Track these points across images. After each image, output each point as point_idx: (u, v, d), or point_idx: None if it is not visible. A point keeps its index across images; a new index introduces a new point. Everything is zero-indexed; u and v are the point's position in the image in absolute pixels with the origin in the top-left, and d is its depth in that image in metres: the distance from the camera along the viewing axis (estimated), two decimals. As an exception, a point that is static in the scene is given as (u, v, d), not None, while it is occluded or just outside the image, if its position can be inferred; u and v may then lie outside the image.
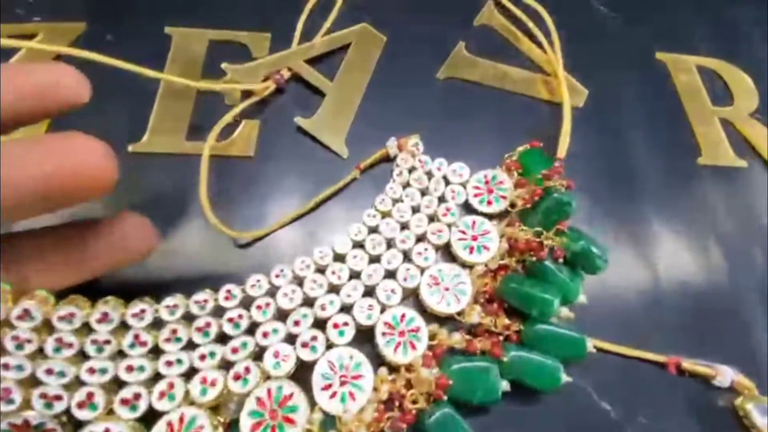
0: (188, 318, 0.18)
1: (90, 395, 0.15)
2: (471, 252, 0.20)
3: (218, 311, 0.18)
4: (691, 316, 0.22)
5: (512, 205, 0.22)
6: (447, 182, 0.22)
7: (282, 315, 0.18)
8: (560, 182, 0.21)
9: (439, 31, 0.28)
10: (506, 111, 0.26)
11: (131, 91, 0.23)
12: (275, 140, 0.24)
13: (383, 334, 0.18)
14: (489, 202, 0.22)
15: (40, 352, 0.16)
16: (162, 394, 0.16)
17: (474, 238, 0.21)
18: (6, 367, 0.15)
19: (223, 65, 0.24)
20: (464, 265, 0.20)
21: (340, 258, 0.20)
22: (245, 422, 0.16)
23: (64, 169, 0.14)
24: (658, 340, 0.21)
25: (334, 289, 0.19)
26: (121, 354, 0.17)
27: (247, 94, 0.24)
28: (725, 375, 0.20)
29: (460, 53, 0.27)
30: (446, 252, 0.21)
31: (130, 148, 0.23)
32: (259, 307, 0.18)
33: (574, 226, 0.21)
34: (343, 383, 0.17)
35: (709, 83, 0.29)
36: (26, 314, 0.15)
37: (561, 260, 0.20)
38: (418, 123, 0.24)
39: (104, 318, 0.16)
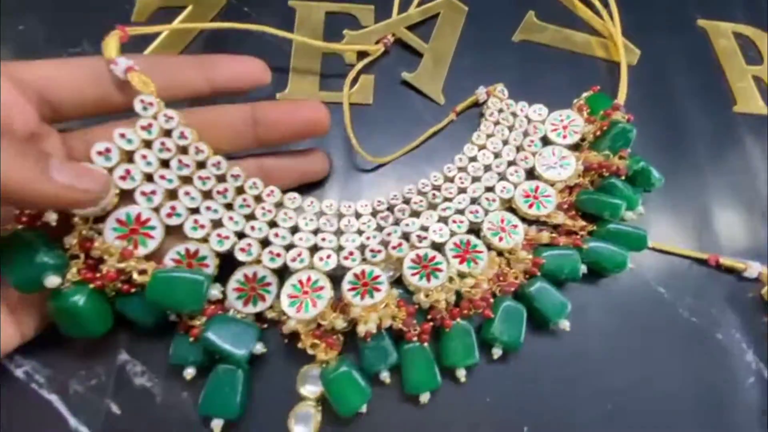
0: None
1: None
2: (553, 173, 0.26)
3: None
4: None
5: (583, 138, 0.27)
6: (529, 120, 0.28)
7: (414, 213, 0.25)
8: (622, 116, 0.26)
9: (513, 2, 0.33)
10: (570, 67, 0.32)
11: (272, 52, 0.29)
12: (386, 91, 0.30)
13: (489, 229, 0.24)
14: (564, 136, 0.27)
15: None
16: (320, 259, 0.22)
17: (554, 163, 0.26)
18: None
19: (345, 31, 0.30)
20: (548, 182, 0.26)
21: (449, 179, 0.26)
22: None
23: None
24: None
25: (446, 200, 0.25)
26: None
27: (362, 54, 0.30)
28: (754, 268, 0.25)
29: (530, 20, 0.33)
30: (532, 175, 0.27)
31: (277, 96, 0.29)
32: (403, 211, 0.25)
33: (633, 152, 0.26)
34: (466, 255, 0.23)
35: (743, 47, 0.34)
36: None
37: (624, 178, 0.25)
38: (499, 77, 0.30)
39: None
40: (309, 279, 0.22)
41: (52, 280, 0.19)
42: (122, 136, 0.21)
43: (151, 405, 0.21)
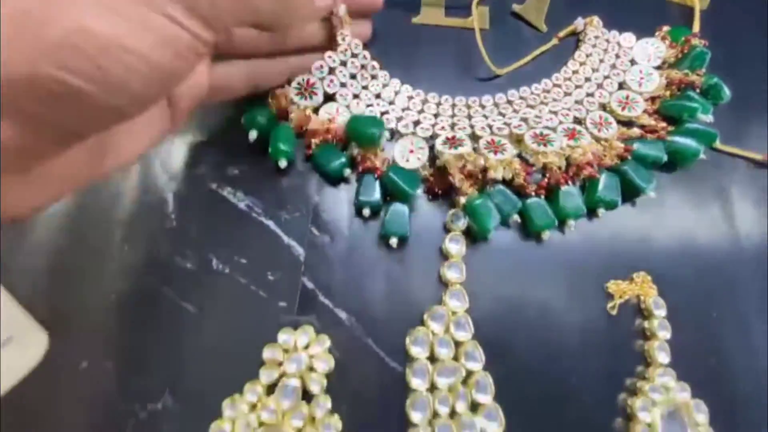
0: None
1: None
2: (640, 85, 0.32)
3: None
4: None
5: (664, 61, 0.33)
6: (620, 46, 0.34)
7: (529, 106, 0.31)
8: (699, 41, 0.32)
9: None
10: (651, 10, 0.37)
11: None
12: (499, 20, 0.36)
13: (590, 122, 0.31)
14: (649, 59, 0.33)
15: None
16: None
17: (641, 79, 0.32)
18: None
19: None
20: (636, 92, 0.32)
21: (557, 85, 0.32)
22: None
23: None
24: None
25: (554, 100, 0.32)
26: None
27: (480, -12, 0.37)
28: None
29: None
30: (622, 88, 0.33)
31: (413, 20, 0.35)
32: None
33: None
34: (573, 135, 0.30)
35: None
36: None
37: (698, 91, 0.32)
38: (593, 11, 0.36)
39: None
40: (454, 137, 0.29)
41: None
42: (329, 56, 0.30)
43: (339, 230, 0.29)
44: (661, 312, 0.27)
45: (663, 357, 0.26)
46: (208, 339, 0.26)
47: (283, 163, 0.29)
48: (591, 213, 0.29)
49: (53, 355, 0.25)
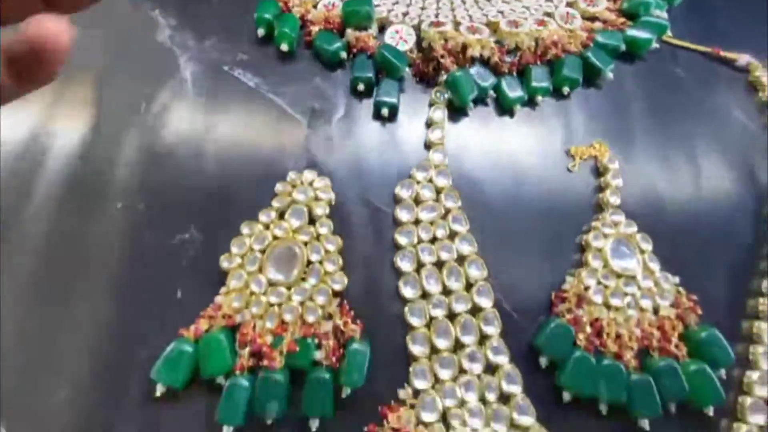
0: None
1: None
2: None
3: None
4: None
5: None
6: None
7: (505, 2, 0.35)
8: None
9: None
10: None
11: None
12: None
13: (558, 16, 0.35)
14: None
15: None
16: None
17: (604, -18, 0.37)
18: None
19: None
20: (599, -7, 0.36)
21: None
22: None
23: None
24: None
25: None
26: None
27: None
28: (744, 59, 0.36)
29: None
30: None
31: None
32: None
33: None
34: (542, 23, 0.34)
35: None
36: None
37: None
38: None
39: None
40: (438, 21, 0.33)
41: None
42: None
43: (337, 106, 0.33)
44: (614, 165, 0.31)
45: (615, 200, 0.30)
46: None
47: (285, 47, 0.33)
48: (557, 92, 0.34)
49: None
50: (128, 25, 0.35)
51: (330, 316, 0.26)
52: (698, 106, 0.35)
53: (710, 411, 0.26)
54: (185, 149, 0.31)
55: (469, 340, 0.26)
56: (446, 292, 0.27)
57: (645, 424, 0.25)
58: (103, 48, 0.34)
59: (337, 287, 0.26)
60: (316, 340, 0.25)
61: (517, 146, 0.32)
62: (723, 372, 0.27)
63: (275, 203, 0.27)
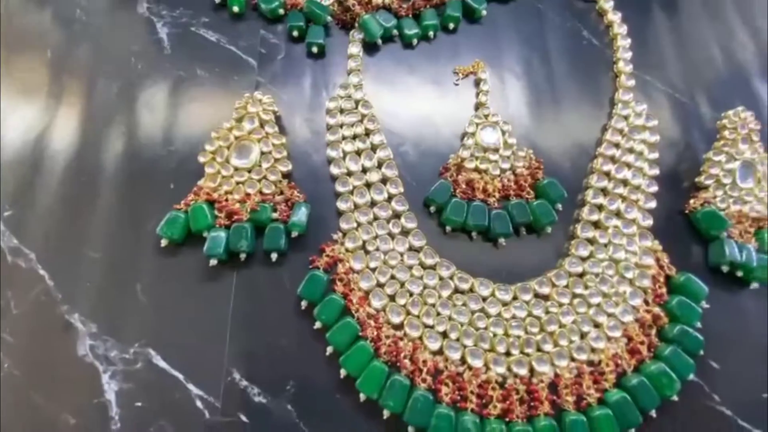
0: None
1: None
2: None
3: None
4: None
5: None
6: None
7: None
8: None
9: None
10: None
11: None
12: None
13: None
14: None
15: None
16: None
17: None
18: None
19: None
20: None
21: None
22: None
23: None
24: None
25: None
26: None
27: None
28: None
29: None
30: None
31: None
32: None
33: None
34: None
35: None
36: None
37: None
38: None
39: None
40: None
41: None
42: None
43: (279, 50, 0.43)
44: (485, 87, 0.42)
45: (485, 99, 0.41)
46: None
47: (236, 9, 0.43)
48: (446, 29, 0.45)
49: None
50: (113, 4, 0.46)
51: (281, 192, 0.37)
52: (555, 31, 0.46)
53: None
54: (164, 86, 0.41)
55: (380, 197, 0.37)
56: (364, 170, 0.38)
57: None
58: (94, 24, 0.44)
59: (284, 169, 0.37)
60: (273, 205, 0.36)
61: (416, 68, 0.44)
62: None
63: (235, 114, 0.38)
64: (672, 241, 0.39)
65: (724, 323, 0.36)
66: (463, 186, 0.38)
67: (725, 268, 0.36)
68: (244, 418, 0.32)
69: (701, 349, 0.34)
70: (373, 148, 0.39)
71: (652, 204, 0.38)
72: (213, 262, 0.34)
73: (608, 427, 0.31)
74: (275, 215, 0.36)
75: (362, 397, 0.31)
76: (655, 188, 0.39)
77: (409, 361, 0.32)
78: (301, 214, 0.35)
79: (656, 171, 0.39)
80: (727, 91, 0.45)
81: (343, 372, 0.32)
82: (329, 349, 0.33)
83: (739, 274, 0.37)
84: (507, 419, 0.31)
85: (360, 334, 0.33)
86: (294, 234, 0.35)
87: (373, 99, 0.41)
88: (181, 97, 0.41)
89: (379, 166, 0.38)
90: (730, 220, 0.37)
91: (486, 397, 0.32)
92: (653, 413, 0.32)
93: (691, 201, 0.39)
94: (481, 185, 0.38)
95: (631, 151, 0.40)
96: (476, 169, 0.39)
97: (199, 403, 0.32)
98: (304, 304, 0.34)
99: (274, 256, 0.35)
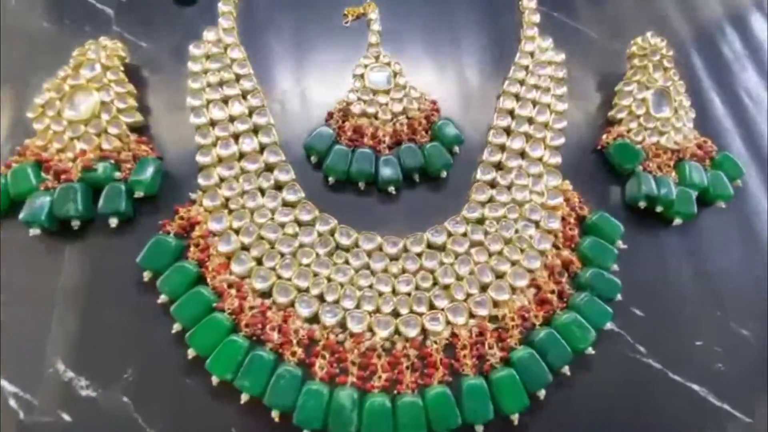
0: None
1: None
2: None
3: None
4: None
5: None
6: None
7: None
8: None
9: None
10: None
11: None
12: None
13: None
14: None
15: None
16: None
17: None
18: None
19: None
20: None
21: None
22: None
23: None
24: None
25: None
26: None
27: None
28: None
29: None
30: None
31: None
32: None
33: None
34: None
35: None
36: None
37: None
38: None
39: None
40: None
41: None
42: None
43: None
44: (376, 26, 0.38)
45: (374, 39, 0.36)
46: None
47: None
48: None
49: None
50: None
51: (129, 148, 0.31)
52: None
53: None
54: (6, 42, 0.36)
55: (249, 147, 0.32)
56: (231, 119, 0.33)
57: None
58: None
59: (129, 120, 0.31)
60: (115, 163, 0.30)
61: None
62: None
63: (72, 62, 0.32)
64: (588, 182, 0.34)
65: (646, 266, 0.32)
66: (350, 133, 0.33)
67: (642, 204, 0.32)
68: (66, 417, 0.25)
69: (618, 293, 0.30)
70: (244, 95, 0.34)
71: (560, 140, 0.34)
72: (35, 231, 0.28)
73: (511, 389, 0.26)
74: (118, 175, 0.30)
75: (215, 380, 0.26)
76: (563, 124, 0.35)
77: (277, 333, 0.27)
78: (146, 171, 0.30)
79: (564, 106, 0.35)
80: (637, 22, 0.42)
81: (191, 352, 0.26)
82: (176, 326, 0.27)
83: (659, 209, 0.33)
84: (396, 391, 0.26)
85: (215, 306, 0.28)
86: (139, 194, 0.29)
87: (244, 41, 0.36)
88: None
89: (250, 113, 0.33)
90: (648, 153, 0.34)
91: (371, 368, 0.27)
92: (567, 370, 0.28)
93: (604, 136, 0.35)
94: (370, 131, 0.33)
95: (536, 87, 0.36)
96: (365, 114, 0.34)
97: (12, 402, 0.26)
98: (147, 275, 0.28)
99: (113, 221, 0.29)
